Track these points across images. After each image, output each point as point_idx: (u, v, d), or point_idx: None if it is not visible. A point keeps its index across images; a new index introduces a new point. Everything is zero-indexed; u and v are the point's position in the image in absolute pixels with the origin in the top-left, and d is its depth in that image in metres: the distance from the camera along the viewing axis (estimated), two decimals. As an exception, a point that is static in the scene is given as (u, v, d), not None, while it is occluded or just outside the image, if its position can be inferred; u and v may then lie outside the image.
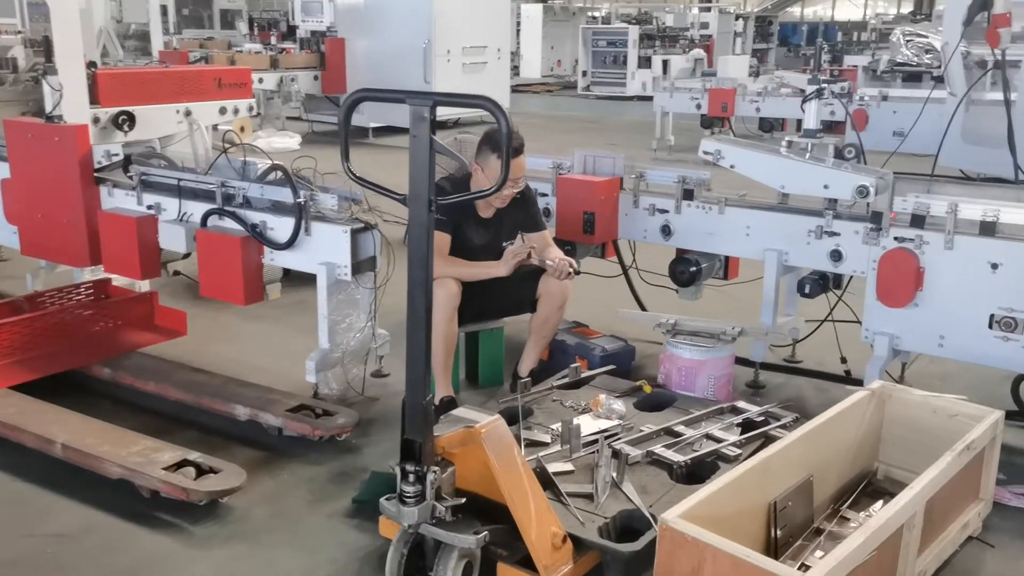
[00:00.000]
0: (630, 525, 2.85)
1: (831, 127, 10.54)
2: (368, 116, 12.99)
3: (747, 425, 3.49)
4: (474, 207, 3.94)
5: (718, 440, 3.32)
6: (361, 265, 3.99)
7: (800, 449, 2.86)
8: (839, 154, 4.25)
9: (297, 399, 3.83)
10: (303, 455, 3.60)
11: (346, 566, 2.88)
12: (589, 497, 2.94)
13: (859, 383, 4.11)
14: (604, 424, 3.46)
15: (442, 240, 3.85)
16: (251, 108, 8.50)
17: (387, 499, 2.64)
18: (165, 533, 3.06)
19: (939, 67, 12.34)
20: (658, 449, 3.21)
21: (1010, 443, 3.65)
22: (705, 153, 4.34)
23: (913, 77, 12.62)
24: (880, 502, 3.06)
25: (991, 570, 2.88)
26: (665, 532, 2.36)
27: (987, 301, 3.66)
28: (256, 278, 4.18)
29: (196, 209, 4.33)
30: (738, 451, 3.24)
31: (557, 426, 3.41)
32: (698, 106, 11.08)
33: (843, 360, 4.27)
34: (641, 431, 3.38)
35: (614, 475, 3.04)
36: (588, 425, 3.41)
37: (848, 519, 2.99)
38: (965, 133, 8.61)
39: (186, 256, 4.98)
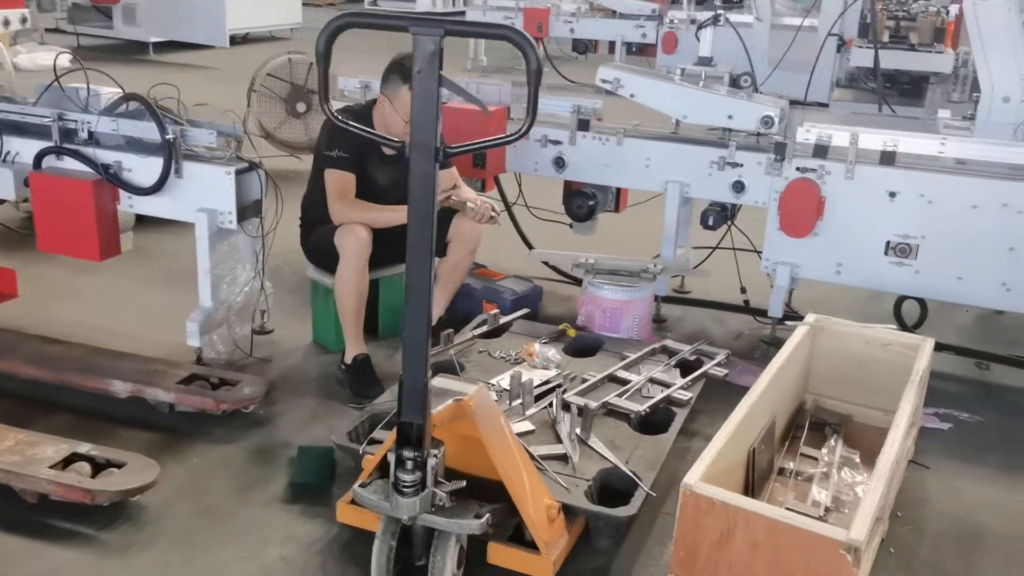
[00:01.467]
0: (610, 484, 2.71)
1: (642, 50, 10.70)
2: (147, 29, 11.66)
3: (683, 365, 3.44)
4: (377, 143, 3.54)
5: (664, 384, 3.24)
6: (246, 210, 3.50)
7: (768, 394, 2.83)
8: (734, 83, 4.21)
9: (186, 368, 3.33)
10: (208, 433, 3.14)
11: (306, 563, 2.53)
12: (563, 459, 2.76)
13: (761, 312, 4.20)
14: (543, 375, 3.27)
15: (347, 180, 3.44)
16: (24, 19, 7.36)
17: (362, 487, 2.33)
18: (70, 545, 2.56)
19: (733, -9, 12.83)
20: (613, 399, 3.08)
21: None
22: (603, 81, 4.15)
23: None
24: (834, 437, 3.11)
25: (937, 492, 3.02)
26: (689, 498, 2.23)
27: (884, 229, 3.79)
28: (112, 228, 3.59)
29: (24, 147, 3.62)
30: (688, 395, 3.18)
31: (499, 380, 3.19)
32: (512, 25, 10.81)
33: (743, 291, 4.32)
34: (585, 380, 3.24)
35: (578, 431, 2.88)
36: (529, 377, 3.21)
37: (809, 456, 3.02)
38: (770, 58, 8.97)
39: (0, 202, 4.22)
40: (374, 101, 3.62)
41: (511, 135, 2.00)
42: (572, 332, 3.65)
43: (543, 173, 4.35)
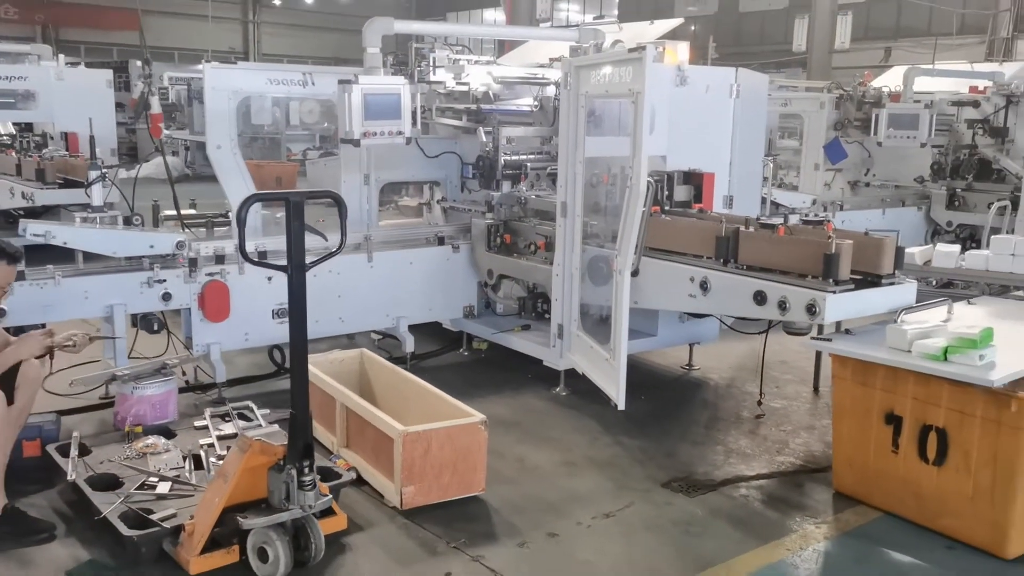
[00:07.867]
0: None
1: None
2: None
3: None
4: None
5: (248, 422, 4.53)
6: None
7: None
8: (128, 221, 5.39)
9: None
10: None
11: None
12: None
13: (206, 387, 5.53)
14: (173, 455, 4.17)
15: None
16: None
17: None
18: None
19: None
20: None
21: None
22: (35, 235, 4.84)
23: None
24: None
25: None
26: (408, 436, 3.94)
27: (269, 301, 5.66)
28: None
29: None
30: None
31: (158, 469, 4.00)
32: None
33: (183, 374, 5.49)
34: (209, 445, 4.28)
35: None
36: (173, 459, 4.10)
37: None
38: None
39: None
40: None
41: (335, 249, 3.40)
42: (139, 429, 4.45)
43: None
